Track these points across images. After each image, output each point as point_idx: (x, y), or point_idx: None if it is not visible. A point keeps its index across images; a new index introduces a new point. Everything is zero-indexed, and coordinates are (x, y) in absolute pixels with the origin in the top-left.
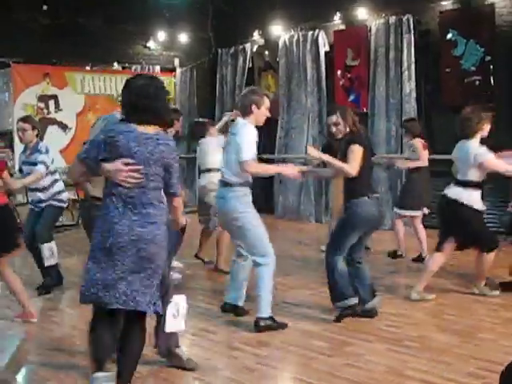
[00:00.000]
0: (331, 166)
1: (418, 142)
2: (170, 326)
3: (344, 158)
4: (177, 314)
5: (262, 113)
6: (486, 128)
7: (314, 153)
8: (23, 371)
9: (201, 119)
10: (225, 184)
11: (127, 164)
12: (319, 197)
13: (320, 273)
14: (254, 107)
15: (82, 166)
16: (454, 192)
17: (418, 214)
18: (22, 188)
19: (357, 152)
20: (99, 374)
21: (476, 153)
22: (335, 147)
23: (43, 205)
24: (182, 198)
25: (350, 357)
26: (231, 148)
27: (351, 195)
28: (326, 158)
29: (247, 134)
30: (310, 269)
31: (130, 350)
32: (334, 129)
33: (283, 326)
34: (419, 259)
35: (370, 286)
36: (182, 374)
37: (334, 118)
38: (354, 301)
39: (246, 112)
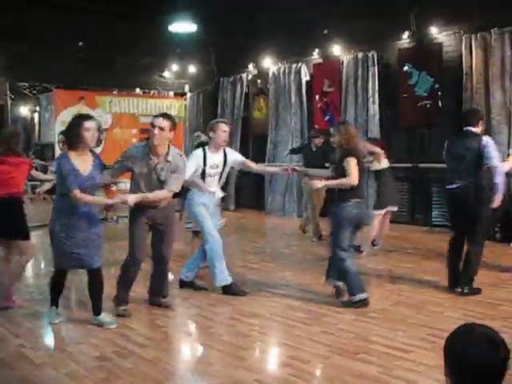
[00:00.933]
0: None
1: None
2: None
3: (339, 167)
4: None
5: (218, 135)
6: None
7: (319, 185)
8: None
9: None
10: None
11: None
12: (301, 196)
13: (300, 258)
14: (211, 133)
15: None
16: None
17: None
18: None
19: (352, 163)
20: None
21: None
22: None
23: None
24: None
25: (325, 326)
26: None
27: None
28: (330, 183)
29: (190, 156)
30: (292, 255)
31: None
32: (331, 138)
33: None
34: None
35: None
36: (188, 337)
37: (330, 130)
38: (363, 296)
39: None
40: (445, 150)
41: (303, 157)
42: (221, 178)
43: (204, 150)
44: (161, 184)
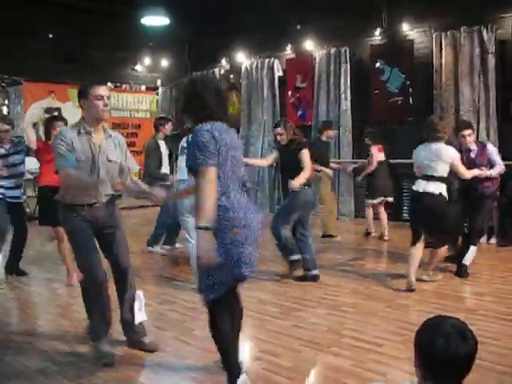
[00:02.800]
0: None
1: (375, 149)
2: (138, 318)
3: (295, 161)
4: (141, 307)
5: None
6: (449, 132)
7: (296, 184)
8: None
9: None
10: None
11: None
12: (273, 192)
13: (271, 253)
14: None
15: None
16: (423, 186)
17: (379, 200)
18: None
19: (307, 155)
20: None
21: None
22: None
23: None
24: None
25: (297, 320)
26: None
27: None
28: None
29: None
30: (263, 249)
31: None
32: (278, 137)
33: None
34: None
35: (312, 258)
36: (161, 332)
37: (278, 130)
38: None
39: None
40: None
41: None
42: None
43: None
44: None
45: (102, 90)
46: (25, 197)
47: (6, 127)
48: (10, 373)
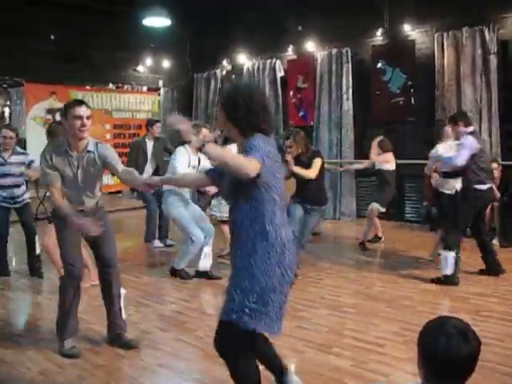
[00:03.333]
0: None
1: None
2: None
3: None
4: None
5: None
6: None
7: (293, 168)
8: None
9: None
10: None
11: None
12: None
13: None
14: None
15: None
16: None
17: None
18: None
19: (319, 162)
20: None
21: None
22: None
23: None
24: None
25: (300, 320)
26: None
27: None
28: (296, 169)
29: (179, 154)
30: None
31: None
32: (288, 150)
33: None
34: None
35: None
36: (163, 333)
37: (288, 142)
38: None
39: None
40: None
41: None
42: None
43: (186, 149)
44: None
45: (81, 111)
46: (29, 199)
47: (11, 134)
48: (12, 374)
